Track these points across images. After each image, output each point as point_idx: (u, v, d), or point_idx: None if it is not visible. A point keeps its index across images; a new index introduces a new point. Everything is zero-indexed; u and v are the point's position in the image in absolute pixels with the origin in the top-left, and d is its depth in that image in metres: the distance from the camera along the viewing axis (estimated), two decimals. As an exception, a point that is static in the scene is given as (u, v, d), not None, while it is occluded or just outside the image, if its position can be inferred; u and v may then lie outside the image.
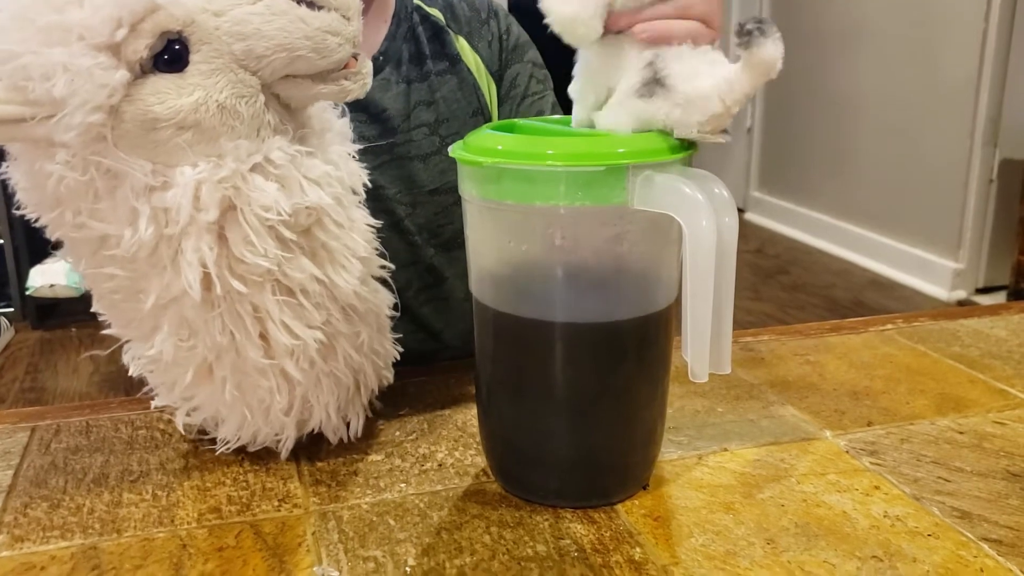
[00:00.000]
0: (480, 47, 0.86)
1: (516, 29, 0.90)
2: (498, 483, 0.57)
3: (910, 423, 0.65)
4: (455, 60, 0.85)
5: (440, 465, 0.59)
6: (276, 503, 0.55)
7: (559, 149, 0.48)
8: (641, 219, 0.50)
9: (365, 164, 0.61)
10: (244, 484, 0.57)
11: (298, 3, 0.49)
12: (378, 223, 0.62)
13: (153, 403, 0.62)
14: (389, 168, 0.81)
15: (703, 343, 0.48)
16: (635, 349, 0.53)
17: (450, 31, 0.86)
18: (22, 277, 2.70)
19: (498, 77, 0.88)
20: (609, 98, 0.53)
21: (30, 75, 0.46)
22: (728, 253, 0.48)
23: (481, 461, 0.60)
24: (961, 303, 2.81)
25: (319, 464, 0.60)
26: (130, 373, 0.59)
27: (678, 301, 0.50)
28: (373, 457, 0.61)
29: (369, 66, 0.54)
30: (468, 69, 0.85)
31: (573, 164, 0.48)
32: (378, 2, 0.82)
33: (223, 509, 0.54)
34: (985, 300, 2.81)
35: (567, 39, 0.53)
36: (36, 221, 0.53)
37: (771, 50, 0.47)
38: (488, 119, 0.86)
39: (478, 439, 0.61)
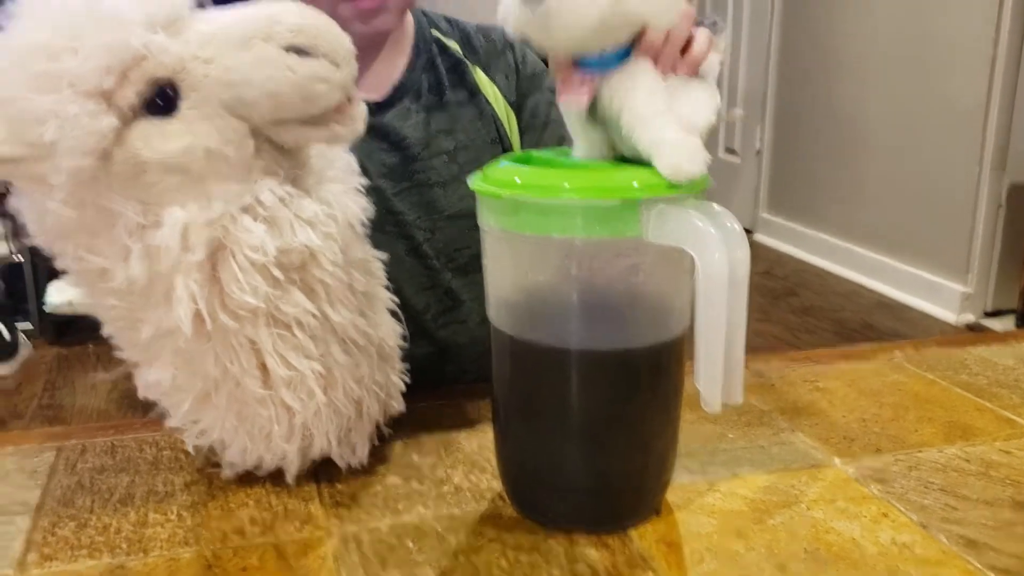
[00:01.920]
0: (498, 78, 0.88)
1: (532, 58, 0.92)
2: (514, 507, 0.58)
3: (918, 451, 0.66)
4: (473, 92, 0.87)
5: (457, 488, 0.61)
6: (298, 524, 0.56)
7: (575, 183, 0.50)
8: (655, 250, 0.51)
9: (371, 201, 0.62)
10: (267, 505, 0.59)
11: (288, 51, 0.49)
12: (385, 256, 0.64)
13: (165, 423, 0.64)
14: (409, 194, 0.83)
15: (715, 375, 0.49)
16: (649, 376, 0.54)
17: (467, 62, 0.88)
18: (40, 293, 2.72)
19: (517, 107, 0.90)
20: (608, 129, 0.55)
21: (24, 119, 0.47)
22: (740, 286, 0.49)
23: (497, 485, 0.61)
24: (970, 327, 2.81)
25: (339, 486, 0.61)
26: (139, 395, 0.60)
27: (691, 328, 0.52)
28: (392, 480, 0.62)
29: (363, 110, 0.55)
30: (486, 100, 0.87)
31: (588, 198, 0.50)
32: (393, 39, 0.85)
33: (247, 530, 0.56)
34: (993, 324, 2.81)
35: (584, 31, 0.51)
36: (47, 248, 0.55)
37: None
38: (506, 147, 0.88)
39: (494, 463, 0.63)
